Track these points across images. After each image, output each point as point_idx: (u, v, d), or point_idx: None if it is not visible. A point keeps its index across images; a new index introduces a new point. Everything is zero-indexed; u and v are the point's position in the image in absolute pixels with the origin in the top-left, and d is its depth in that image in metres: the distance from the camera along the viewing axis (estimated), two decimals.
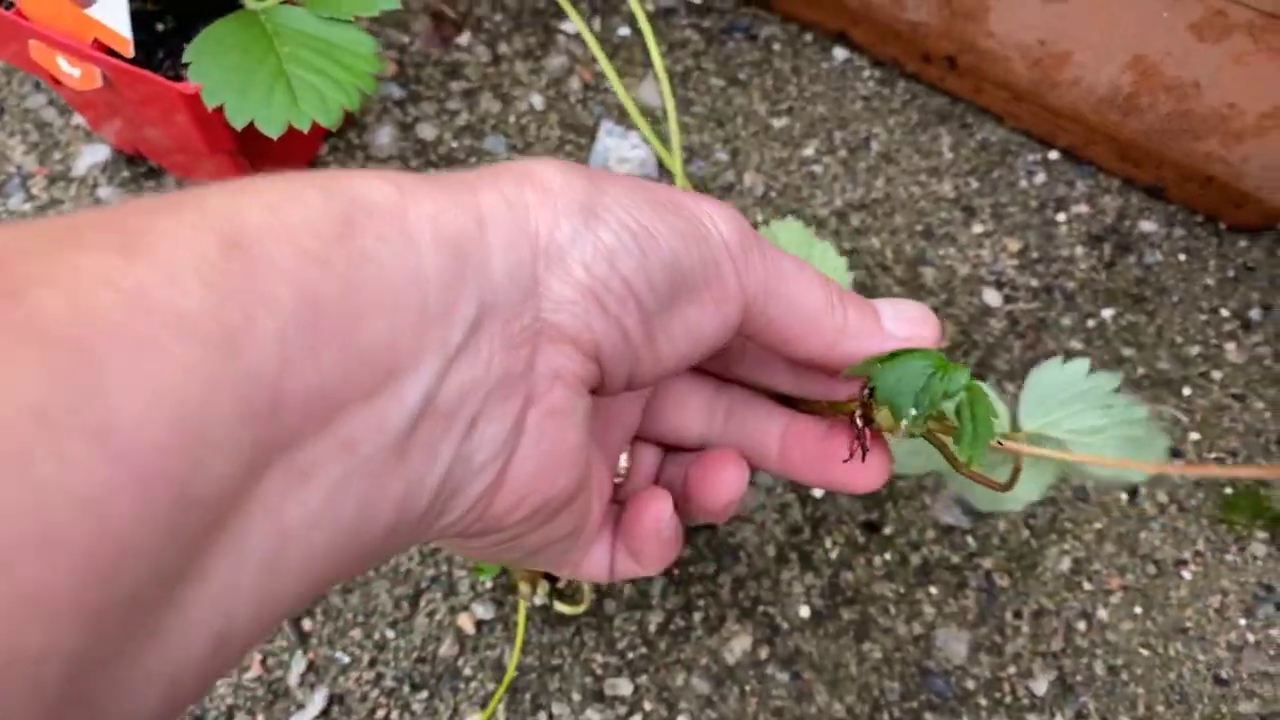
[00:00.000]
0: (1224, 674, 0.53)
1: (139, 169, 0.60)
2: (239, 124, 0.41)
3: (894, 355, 0.28)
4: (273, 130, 0.41)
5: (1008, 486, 0.31)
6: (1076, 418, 0.32)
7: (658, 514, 0.30)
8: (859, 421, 0.29)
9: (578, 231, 0.23)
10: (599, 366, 0.24)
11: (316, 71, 0.43)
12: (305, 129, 0.42)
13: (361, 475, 0.20)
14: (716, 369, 0.35)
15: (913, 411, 0.27)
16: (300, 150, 0.60)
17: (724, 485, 0.31)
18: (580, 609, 0.50)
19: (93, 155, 0.61)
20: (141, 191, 0.60)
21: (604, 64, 0.52)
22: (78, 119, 0.62)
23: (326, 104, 0.42)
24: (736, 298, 0.26)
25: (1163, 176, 0.64)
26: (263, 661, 0.49)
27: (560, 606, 0.50)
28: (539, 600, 0.49)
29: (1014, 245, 0.63)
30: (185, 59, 0.42)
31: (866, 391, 0.29)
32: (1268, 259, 0.64)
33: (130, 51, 0.46)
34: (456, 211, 0.22)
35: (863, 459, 0.30)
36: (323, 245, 0.19)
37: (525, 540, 0.26)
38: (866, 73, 0.69)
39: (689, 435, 0.35)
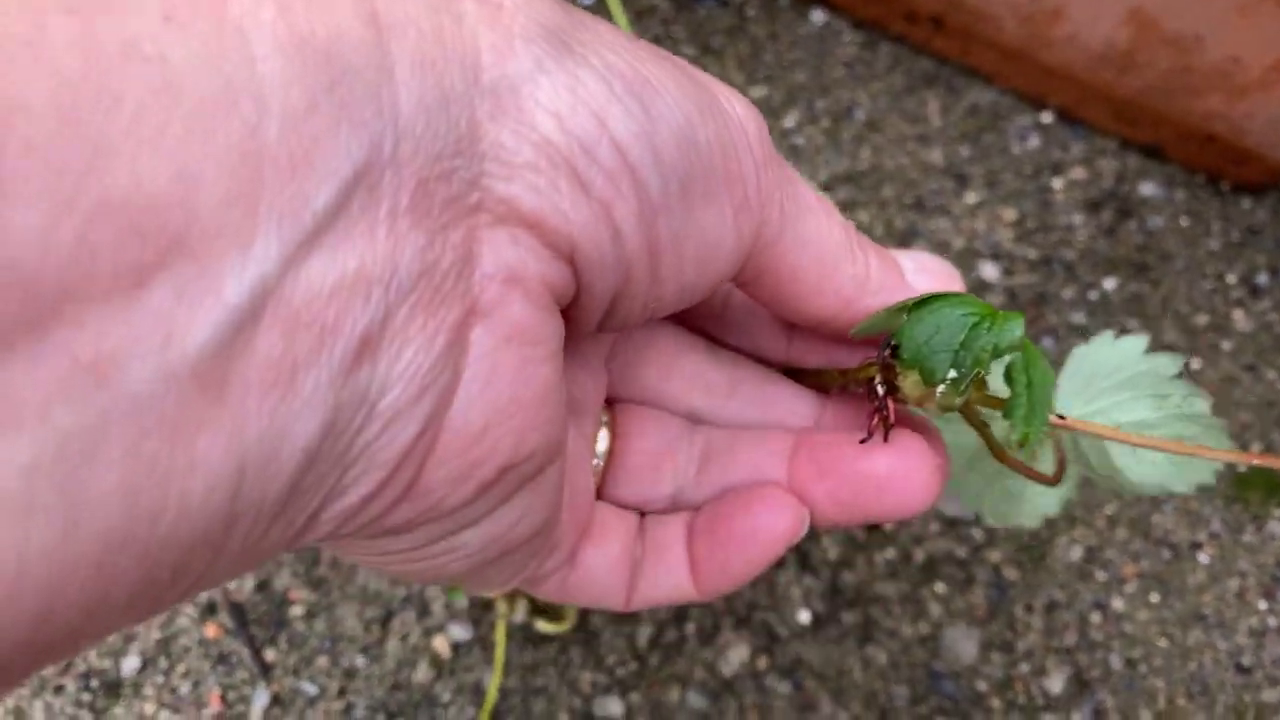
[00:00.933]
0: (1246, 661, 0.50)
1: None
2: None
3: (925, 300, 0.21)
4: None
5: (1056, 480, 0.25)
6: (1125, 408, 0.26)
7: (788, 528, 0.22)
8: (879, 390, 0.22)
9: (542, 64, 0.16)
10: (574, 275, 0.17)
11: None
12: None
13: (129, 424, 0.12)
14: (688, 325, 0.26)
15: (952, 374, 0.20)
16: None
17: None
18: (564, 626, 0.46)
19: None
20: None
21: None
22: None
23: None
24: (756, 209, 0.19)
25: (1161, 136, 0.61)
26: (222, 697, 0.46)
27: (542, 625, 0.46)
28: (519, 618, 0.46)
29: (1009, 215, 0.60)
30: None
31: (888, 351, 0.22)
32: (1273, 220, 0.61)
33: None
34: (333, 4, 0.14)
35: (885, 438, 0.23)
36: (39, 30, 0.11)
37: (475, 535, 0.18)
38: (847, 36, 0.65)
39: (677, 411, 0.26)
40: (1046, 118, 0.63)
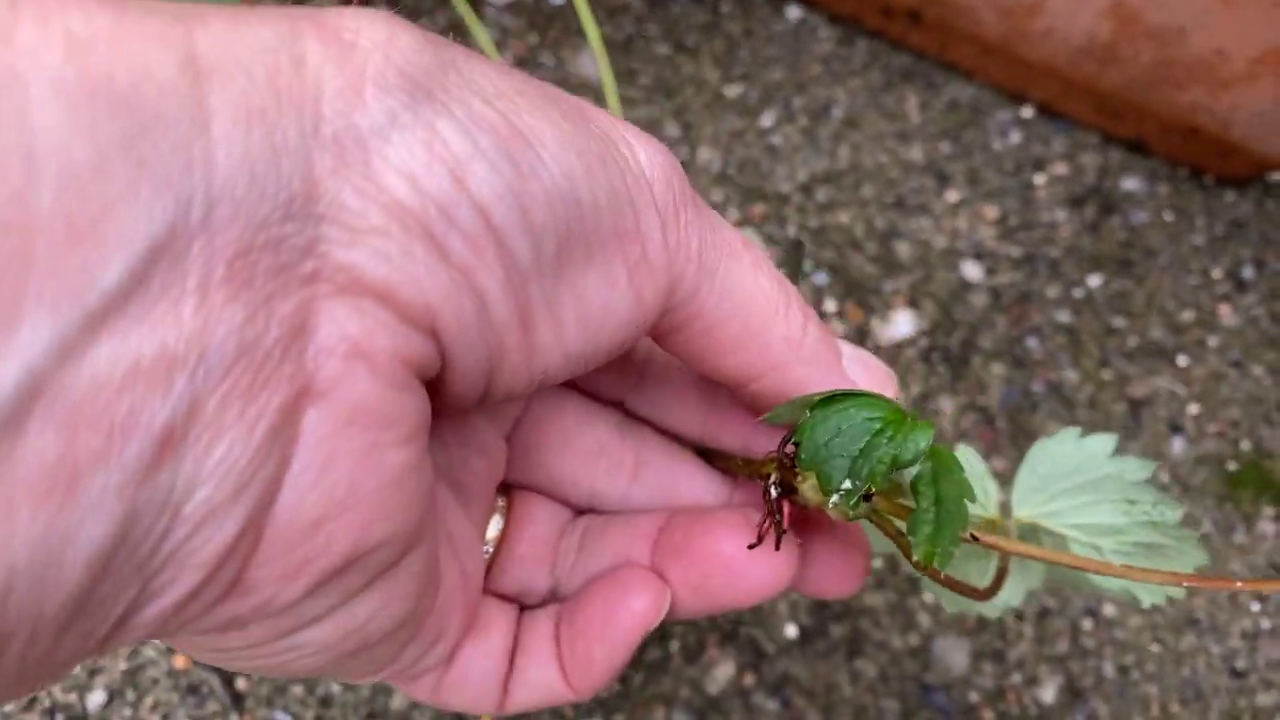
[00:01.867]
0: (1239, 665, 0.49)
1: None
2: None
3: (831, 398, 0.19)
4: None
5: (987, 595, 0.24)
6: (1087, 510, 0.24)
7: (645, 610, 0.21)
8: (772, 491, 0.21)
9: (396, 116, 0.14)
10: (437, 347, 0.16)
11: None
12: None
13: None
14: (603, 394, 0.25)
15: (846, 485, 0.19)
16: None
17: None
18: None
19: None
20: None
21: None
22: None
23: None
24: (660, 267, 0.18)
25: (1144, 130, 0.60)
26: None
27: None
28: None
29: (991, 213, 0.59)
30: None
31: (788, 449, 0.20)
32: (1257, 212, 0.61)
33: None
34: (141, 44, 0.12)
35: (776, 546, 0.21)
36: None
37: (320, 632, 0.17)
38: (823, 32, 0.64)
39: (576, 493, 0.24)
40: (1027, 113, 0.62)
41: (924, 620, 0.48)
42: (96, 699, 0.45)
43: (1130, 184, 0.61)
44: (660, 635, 0.47)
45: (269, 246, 0.13)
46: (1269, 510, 0.53)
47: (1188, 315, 0.57)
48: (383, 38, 0.15)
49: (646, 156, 0.18)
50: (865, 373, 0.22)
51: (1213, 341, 0.57)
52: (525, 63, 0.60)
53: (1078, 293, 0.57)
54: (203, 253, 0.12)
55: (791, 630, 0.48)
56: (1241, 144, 0.57)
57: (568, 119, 0.16)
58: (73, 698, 0.44)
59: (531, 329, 0.16)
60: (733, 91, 0.61)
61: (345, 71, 0.14)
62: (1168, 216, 0.60)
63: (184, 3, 0.13)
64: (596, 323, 0.17)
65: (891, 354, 0.54)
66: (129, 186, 0.12)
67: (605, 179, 0.17)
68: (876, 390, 0.21)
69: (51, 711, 0.44)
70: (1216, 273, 0.59)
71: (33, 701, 0.44)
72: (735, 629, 0.47)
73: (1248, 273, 0.59)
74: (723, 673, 0.47)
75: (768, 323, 0.20)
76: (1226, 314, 0.57)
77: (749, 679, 0.47)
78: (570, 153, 0.16)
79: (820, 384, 0.20)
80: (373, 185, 0.14)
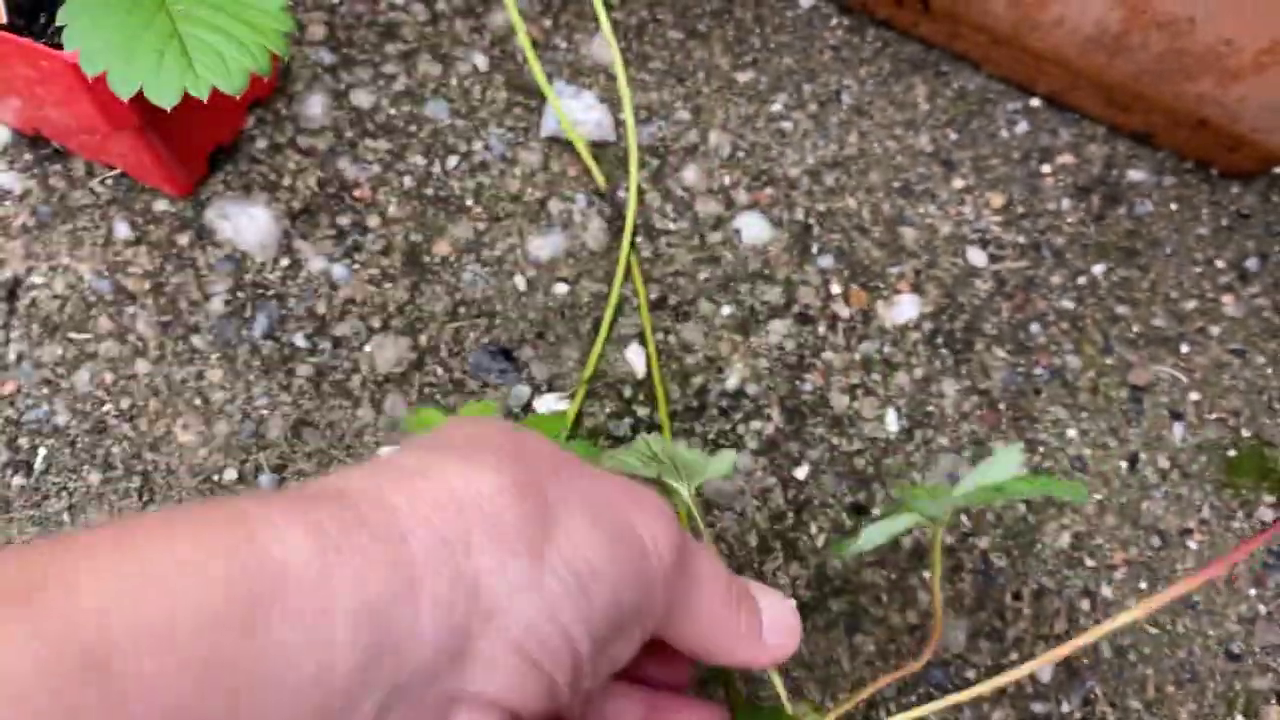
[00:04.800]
0: (1236, 649, 0.50)
1: (42, 151, 0.55)
2: (125, 94, 0.36)
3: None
4: (165, 100, 0.36)
5: None
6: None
7: None
8: None
9: (521, 580, 0.21)
10: None
11: (215, 30, 0.38)
12: (203, 96, 0.36)
13: None
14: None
15: None
16: (221, 123, 0.54)
17: None
18: None
19: None
20: (47, 176, 0.54)
21: None
22: None
23: (228, 67, 0.37)
24: (659, 616, 0.25)
25: (1151, 122, 0.60)
26: None
27: None
28: None
29: (997, 200, 0.59)
30: (60, 20, 0.36)
31: None
32: (1262, 205, 0.61)
33: (2, 16, 0.40)
34: (386, 573, 0.19)
35: None
36: (210, 647, 0.16)
37: None
38: (834, 20, 0.64)
39: None
40: (1035, 103, 0.62)
41: (923, 598, 0.49)
42: None
43: (1136, 175, 0.61)
44: None
45: (434, 688, 0.20)
46: (1268, 498, 0.53)
47: (1191, 304, 0.58)
48: (512, 509, 0.21)
49: (663, 539, 0.24)
50: (777, 636, 0.29)
51: (1215, 331, 0.57)
52: (539, 45, 0.61)
53: (1082, 280, 0.58)
54: (398, 707, 0.19)
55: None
56: (1249, 136, 0.57)
57: (619, 538, 0.23)
58: None
59: (579, 688, 0.23)
60: (744, 77, 0.62)
61: (492, 546, 0.21)
62: (1173, 207, 0.60)
63: (403, 519, 0.20)
64: (616, 665, 0.25)
65: (895, 337, 0.55)
66: (371, 681, 0.18)
67: (637, 582, 0.23)
68: (787, 645, 0.29)
69: None
70: (1220, 263, 0.59)
71: None
72: None
73: (1252, 264, 0.59)
74: None
75: (721, 627, 0.27)
76: (1230, 304, 0.58)
77: None
78: (619, 574, 0.23)
79: (751, 658, 0.29)
80: (504, 634, 0.20)
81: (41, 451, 0.49)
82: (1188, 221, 0.60)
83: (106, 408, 0.50)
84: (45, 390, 0.50)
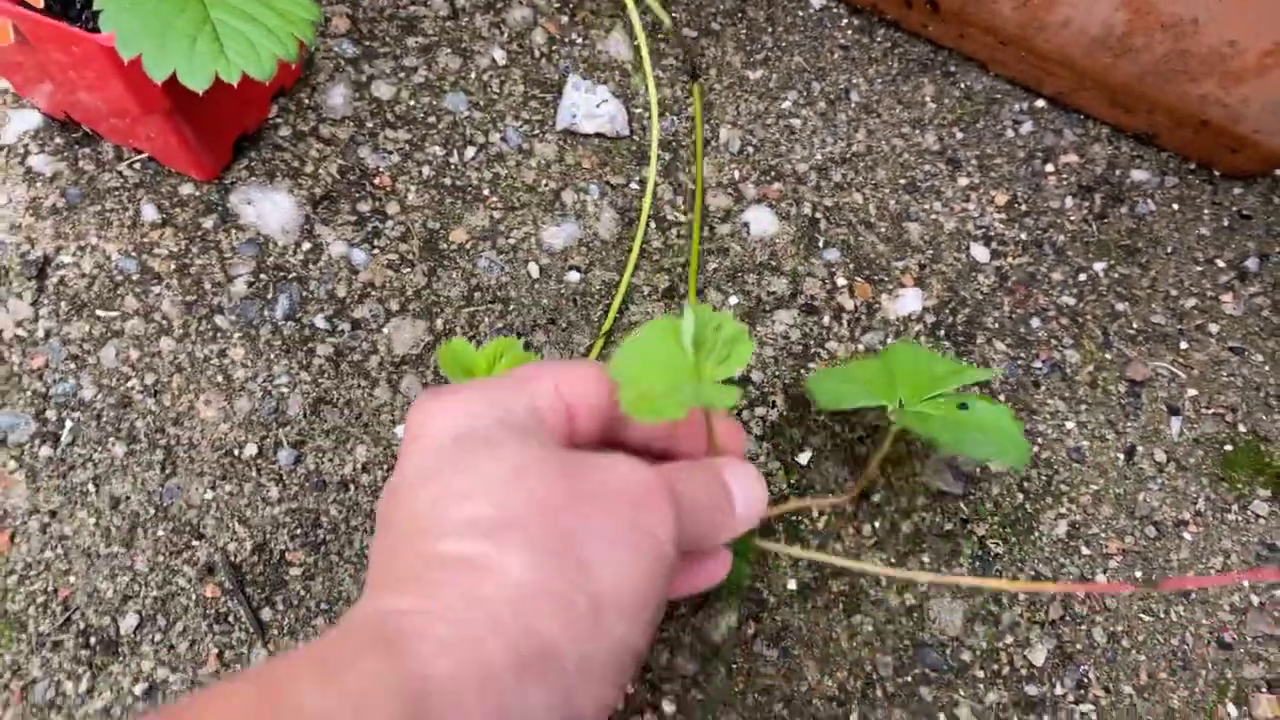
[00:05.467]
0: (1228, 638, 0.51)
1: (73, 135, 0.56)
2: (159, 76, 0.38)
3: None
4: (197, 83, 0.38)
5: None
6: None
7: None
8: None
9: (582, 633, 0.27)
10: None
11: (246, 18, 0.39)
12: (234, 81, 0.38)
13: None
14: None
15: None
16: (246, 111, 0.56)
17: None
18: None
19: (22, 122, 0.57)
20: (77, 159, 0.56)
21: None
22: (3, 83, 0.57)
23: (258, 54, 0.39)
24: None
25: (1155, 122, 0.61)
26: (219, 655, 0.47)
27: None
28: None
29: (1001, 198, 0.61)
30: (96, 4, 0.38)
31: None
32: (1264, 206, 0.62)
33: (40, 0, 0.42)
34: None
35: None
36: None
37: None
38: (845, 20, 0.65)
39: None
40: (1040, 104, 0.64)
41: (922, 579, 0.50)
42: (129, 623, 0.47)
43: (1139, 175, 0.62)
44: None
45: None
46: (1263, 492, 0.54)
47: (1190, 302, 0.59)
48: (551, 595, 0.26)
49: (667, 526, 0.29)
50: (745, 512, 0.33)
51: (1214, 328, 0.58)
52: (556, 41, 0.62)
53: (1083, 277, 0.59)
54: None
55: (792, 584, 0.49)
56: (1251, 137, 0.59)
57: (638, 552, 0.28)
58: (105, 620, 0.47)
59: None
60: (755, 74, 0.63)
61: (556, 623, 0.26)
62: (1174, 207, 0.61)
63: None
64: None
65: (898, 328, 0.56)
66: None
67: (655, 570, 0.28)
68: (754, 514, 0.33)
69: (85, 633, 0.47)
70: (1221, 263, 0.60)
71: (66, 622, 0.47)
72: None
73: (1252, 264, 0.60)
74: (725, 622, 0.48)
75: (705, 535, 0.32)
76: (1229, 302, 0.59)
77: (750, 629, 0.48)
78: (644, 573, 0.28)
79: (726, 534, 0.33)
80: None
81: (68, 424, 0.50)
82: (1189, 221, 0.61)
83: (131, 383, 0.51)
84: (72, 365, 0.51)
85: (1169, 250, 0.60)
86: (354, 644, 0.24)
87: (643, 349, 0.32)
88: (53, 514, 0.48)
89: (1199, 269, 0.60)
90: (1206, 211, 0.62)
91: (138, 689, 0.46)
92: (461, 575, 0.26)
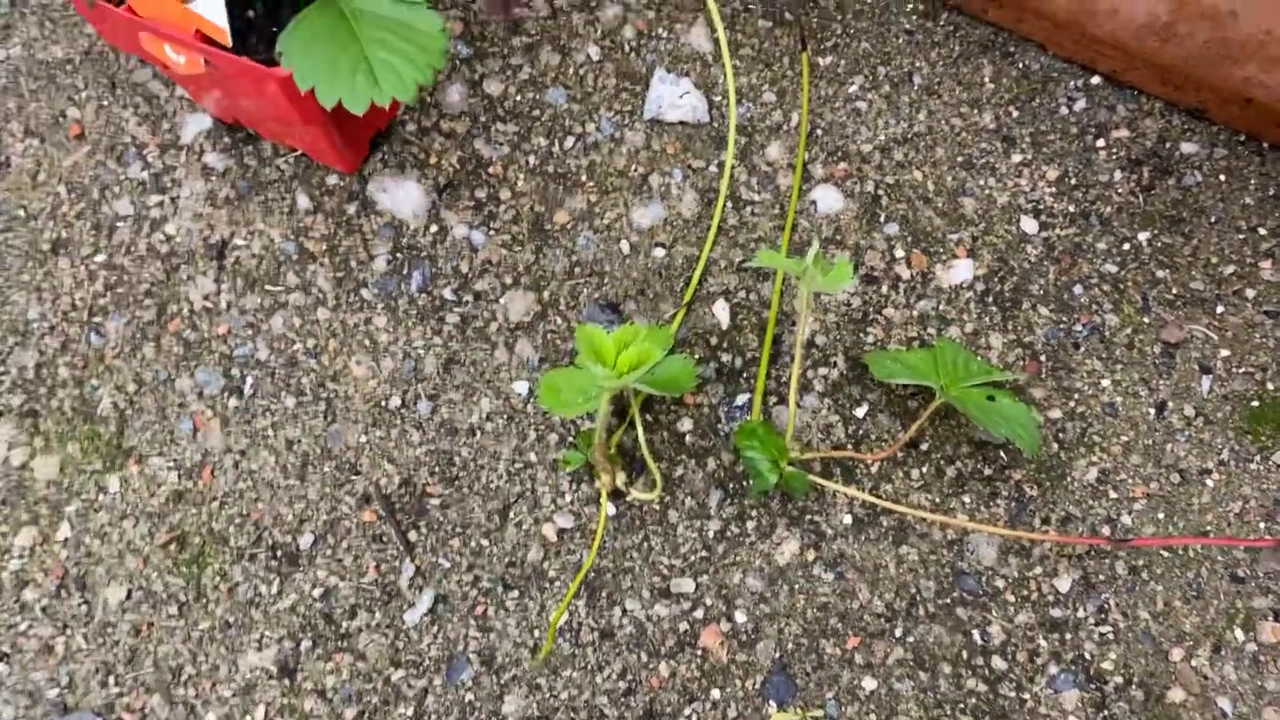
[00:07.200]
0: (1240, 573, 0.57)
1: (238, 135, 0.67)
2: (329, 105, 0.47)
3: None
4: (360, 109, 0.47)
5: None
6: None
7: None
8: None
9: None
10: None
11: (394, 52, 0.48)
12: (385, 105, 0.47)
13: None
14: None
15: None
16: (382, 114, 0.65)
17: None
18: (654, 495, 0.57)
19: (197, 124, 0.67)
20: (243, 156, 0.66)
21: None
22: (181, 90, 0.68)
23: (404, 81, 0.48)
24: None
25: (1204, 99, 0.65)
26: (377, 567, 0.58)
27: (636, 493, 0.57)
28: (620, 484, 0.57)
29: (1052, 173, 0.66)
30: (278, 49, 0.47)
31: None
32: None
33: (229, 41, 0.51)
34: None
35: None
36: None
37: None
38: (910, 6, 0.71)
39: None
40: (1095, 81, 0.68)
41: (961, 518, 0.58)
42: (305, 540, 0.59)
43: (1189, 148, 0.67)
44: (739, 516, 0.58)
45: None
46: None
47: (1229, 269, 0.63)
48: None
49: None
50: None
51: (1250, 293, 0.63)
52: (643, 35, 0.70)
53: (1126, 246, 0.64)
54: None
55: (848, 519, 0.58)
56: None
57: None
58: (288, 538, 0.59)
59: None
60: (824, 61, 0.69)
61: None
62: (1221, 178, 0.66)
63: None
64: None
65: (950, 296, 0.63)
66: None
67: None
68: None
69: (273, 548, 0.58)
70: (1263, 230, 0.64)
71: (258, 538, 0.58)
72: (801, 515, 0.58)
73: None
74: (789, 549, 0.57)
75: None
76: (1268, 269, 0.63)
77: (810, 555, 0.57)
78: None
79: None
80: None
81: (249, 380, 0.62)
82: (1235, 191, 0.66)
83: (296, 346, 0.62)
84: (249, 331, 0.63)
85: (1212, 220, 0.65)
86: None
87: None
88: (242, 453, 0.60)
89: (1240, 237, 0.64)
90: (1253, 182, 0.66)
91: (316, 593, 0.57)
92: None
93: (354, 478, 0.59)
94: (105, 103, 0.68)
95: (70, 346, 0.62)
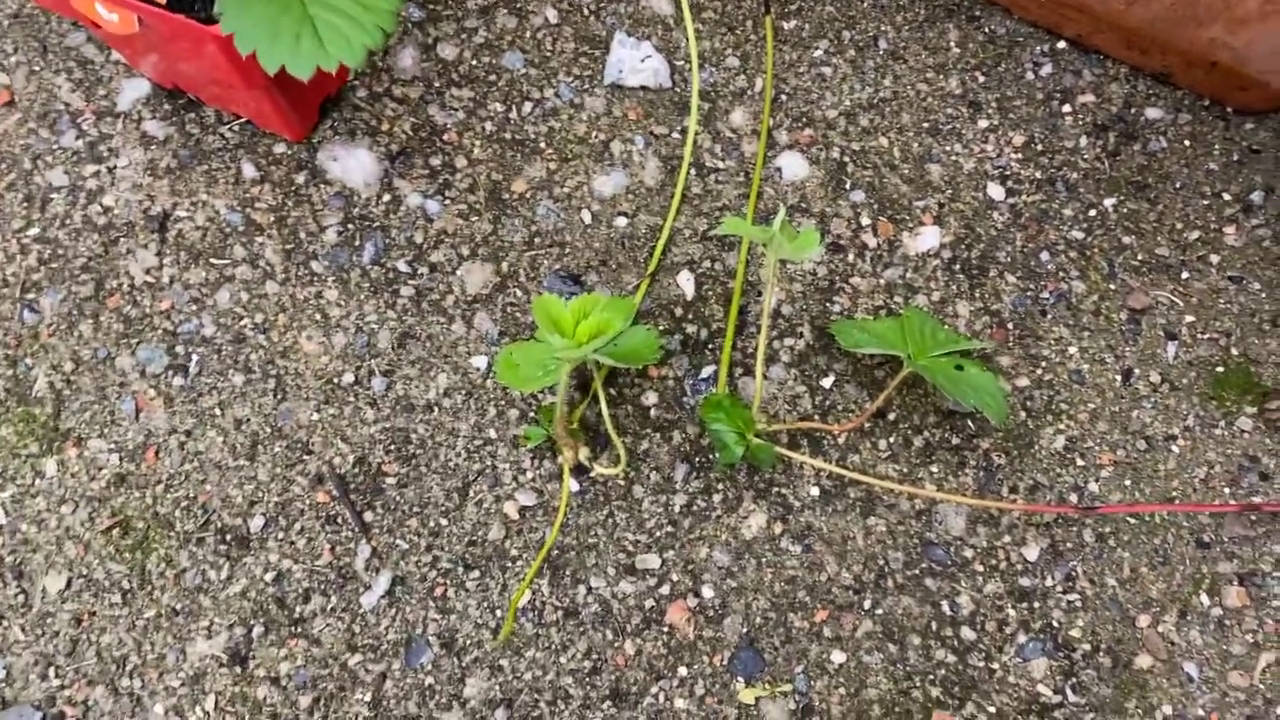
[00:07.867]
0: (1206, 538, 0.57)
1: (179, 102, 0.64)
2: (271, 69, 0.45)
3: None
4: (304, 73, 0.45)
5: None
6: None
7: None
8: None
9: None
10: None
11: (340, 13, 0.46)
12: (332, 70, 0.45)
13: None
14: None
15: None
16: (330, 79, 0.63)
17: None
18: (618, 470, 0.55)
19: (135, 90, 0.64)
20: (184, 124, 0.63)
21: None
22: (116, 54, 0.65)
23: (351, 45, 0.45)
24: None
25: (1169, 63, 0.65)
26: (331, 549, 0.56)
27: (599, 468, 0.56)
28: (583, 459, 0.55)
29: (1019, 139, 0.65)
30: (216, 8, 0.45)
31: None
32: (1274, 140, 0.66)
33: None
34: None
35: None
36: None
37: None
38: None
39: None
40: (1061, 45, 0.67)
41: (929, 489, 0.57)
42: (256, 523, 0.56)
43: (1154, 113, 0.66)
44: (705, 490, 0.57)
45: None
46: (1250, 410, 0.59)
47: (1194, 235, 0.63)
48: None
49: None
50: None
51: (1215, 259, 0.63)
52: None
53: (1092, 212, 0.63)
54: None
55: (815, 490, 0.57)
56: (1257, 78, 0.62)
57: None
58: (238, 521, 0.56)
59: None
60: (788, 25, 0.68)
61: None
62: (1186, 143, 0.65)
63: None
64: None
65: (917, 264, 0.62)
66: None
67: None
68: None
69: (222, 531, 0.56)
70: (1227, 196, 0.64)
71: (206, 522, 0.56)
72: (768, 488, 0.57)
73: (1256, 197, 0.64)
74: (756, 522, 0.56)
75: None
76: (1231, 234, 0.63)
77: (778, 528, 0.56)
78: None
79: None
80: None
81: (194, 357, 0.59)
82: (1199, 156, 0.65)
83: (244, 322, 0.60)
84: (194, 307, 0.60)
85: (1177, 185, 0.64)
86: None
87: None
88: (188, 434, 0.58)
89: (1205, 203, 0.64)
90: (1217, 147, 0.65)
91: (268, 577, 0.55)
92: None
93: (306, 457, 0.57)
94: (36, 68, 0.65)
95: (2, 324, 0.59)
